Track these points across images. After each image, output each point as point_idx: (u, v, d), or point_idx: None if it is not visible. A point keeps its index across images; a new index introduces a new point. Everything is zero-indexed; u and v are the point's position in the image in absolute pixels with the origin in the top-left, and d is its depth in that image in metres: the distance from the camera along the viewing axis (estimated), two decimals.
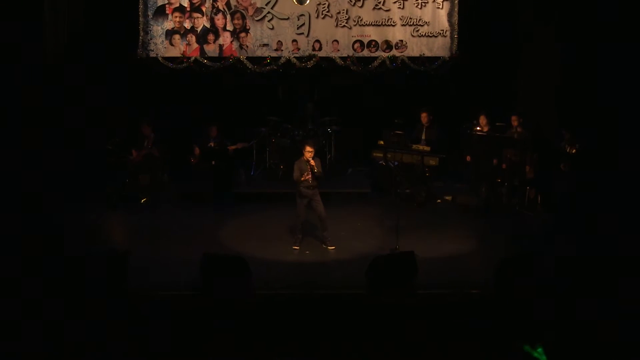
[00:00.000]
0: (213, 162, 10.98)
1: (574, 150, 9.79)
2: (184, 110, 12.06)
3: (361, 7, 12.08)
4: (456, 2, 11.95)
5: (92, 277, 6.31)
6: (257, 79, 12.20)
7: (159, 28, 12.06)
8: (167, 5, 12.05)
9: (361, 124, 12.02)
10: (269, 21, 12.11)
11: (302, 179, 8.55)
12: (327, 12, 12.10)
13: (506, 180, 10.54)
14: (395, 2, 12.05)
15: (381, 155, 10.62)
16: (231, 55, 12.13)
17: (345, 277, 7.79)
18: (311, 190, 8.62)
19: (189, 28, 12.10)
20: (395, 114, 10.84)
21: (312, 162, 8.53)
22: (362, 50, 12.16)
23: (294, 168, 8.71)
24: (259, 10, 12.08)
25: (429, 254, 8.22)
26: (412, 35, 12.13)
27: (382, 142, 10.73)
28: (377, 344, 5.24)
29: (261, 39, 12.14)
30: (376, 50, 12.15)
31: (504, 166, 10.54)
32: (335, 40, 12.14)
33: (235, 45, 12.14)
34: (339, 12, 12.08)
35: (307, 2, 12.02)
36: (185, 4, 12.06)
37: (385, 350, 5.17)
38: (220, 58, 12.15)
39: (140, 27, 11.94)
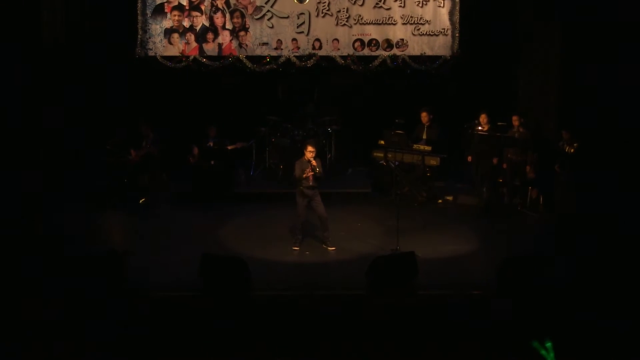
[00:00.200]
0: (212, 162, 10.95)
1: (572, 150, 9.77)
2: (183, 110, 12.03)
3: (362, 5, 12.02)
4: (457, 0, 11.91)
5: (92, 277, 6.31)
6: (256, 78, 12.16)
7: (157, 27, 11.96)
8: (165, 4, 11.95)
9: (361, 124, 11.98)
10: (268, 20, 12.05)
11: (303, 176, 8.51)
12: (327, 10, 12.05)
13: (507, 180, 10.53)
14: (396, 1, 11.96)
15: (382, 155, 10.61)
16: (230, 54, 12.07)
17: (346, 278, 7.77)
18: (311, 190, 8.59)
19: (187, 27, 12.03)
20: (396, 114, 10.80)
21: (314, 163, 8.50)
22: (363, 49, 12.11)
23: (294, 167, 8.68)
24: (258, 8, 12.02)
25: (429, 255, 8.21)
26: (413, 34, 12.07)
27: (382, 142, 10.71)
28: (377, 344, 5.23)
29: (261, 38, 12.08)
30: (377, 49, 12.10)
31: (504, 166, 10.52)
32: (336, 39, 12.09)
33: (234, 44, 12.09)
34: (339, 11, 12.03)
35: (307, 0, 11.99)
36: (184, 2, 11.96)
37: (385, 350, 5.17)
38: (219, 57, 12.08)
39: (139, 25, 11.82)
